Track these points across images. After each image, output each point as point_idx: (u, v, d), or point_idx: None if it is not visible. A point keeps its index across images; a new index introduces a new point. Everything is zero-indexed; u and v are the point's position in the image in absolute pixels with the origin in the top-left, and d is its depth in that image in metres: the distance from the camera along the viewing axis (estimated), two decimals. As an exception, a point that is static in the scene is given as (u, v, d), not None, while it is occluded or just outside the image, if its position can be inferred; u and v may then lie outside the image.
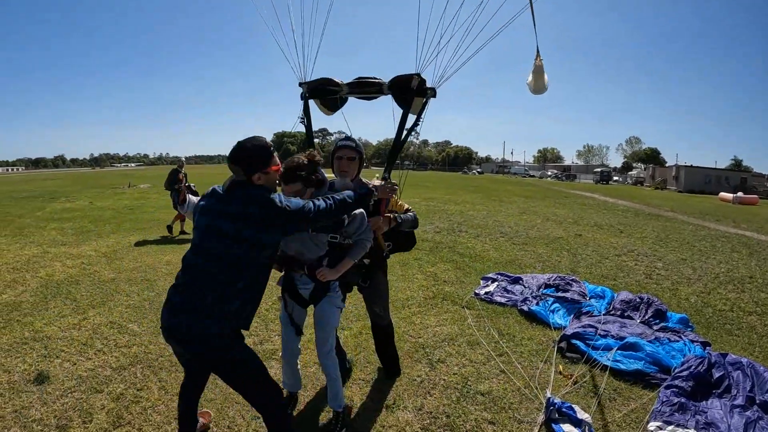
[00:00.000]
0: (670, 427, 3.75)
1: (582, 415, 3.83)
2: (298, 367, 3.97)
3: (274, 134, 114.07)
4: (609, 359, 4.89)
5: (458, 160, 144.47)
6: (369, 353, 4.92)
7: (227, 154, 2.92)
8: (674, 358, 4.85)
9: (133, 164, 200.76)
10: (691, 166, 58.89)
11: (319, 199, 2.99)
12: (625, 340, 5.23)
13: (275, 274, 3.59)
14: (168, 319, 2.77)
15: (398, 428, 3.79)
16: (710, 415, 3.89)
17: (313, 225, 3.05)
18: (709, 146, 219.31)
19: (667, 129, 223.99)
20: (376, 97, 4.17)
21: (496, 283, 7.70)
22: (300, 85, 4.18)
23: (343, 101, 4.30)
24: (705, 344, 5.36)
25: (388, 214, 3.87)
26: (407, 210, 4.13)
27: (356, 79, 4.11)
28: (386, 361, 4.62)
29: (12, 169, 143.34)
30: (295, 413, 3.95)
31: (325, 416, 3.91)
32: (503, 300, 6.88)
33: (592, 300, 6.83)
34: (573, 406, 3.90)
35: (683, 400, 4.05)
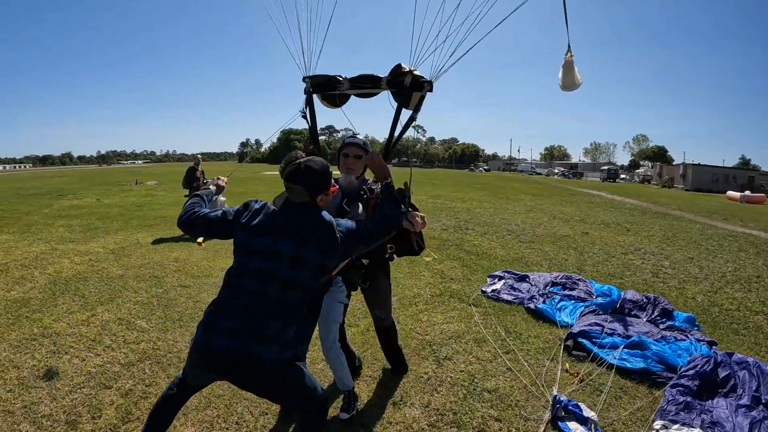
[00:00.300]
0: (676, 426, 3.76)
1: (588, 413, 3.84)
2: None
3: (282, 131, 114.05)
4: (615, 358, 4.89)
5: (465, 157, 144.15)
6: (376, 350, 4.94)
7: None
8: (680, 357, 4.85)
9: (140, 161, 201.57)
10: (699, 164, 58.67)
11: (368, 221, 2.99)
12: (632, 339, 5.23)
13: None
14: (215, 341, 2.59)
15: (405, 425, 3.80)
16: (716, 414, 3.89)
17: (366, 248, 3.01)
18: (716, 145, 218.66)
19: (675, 127, 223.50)
20: (376, 93, 4.13)
21: (503, 280, 7.71)
22: (304, 79, 4.16)
23: (345, 98, 4.29)
24: (711, 343, 5.35)
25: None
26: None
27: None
28: (392, 360, 4.63)
29: (19, 167, 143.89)
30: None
31: (333, 412, 3.93)
32: (510, 298, 6.89)
33: (599, 298, 6.83)
34: (579, 404, 3.92)
35: (689, 399, 4.06)
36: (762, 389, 4.16)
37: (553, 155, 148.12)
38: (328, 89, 4.14)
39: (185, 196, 12.13)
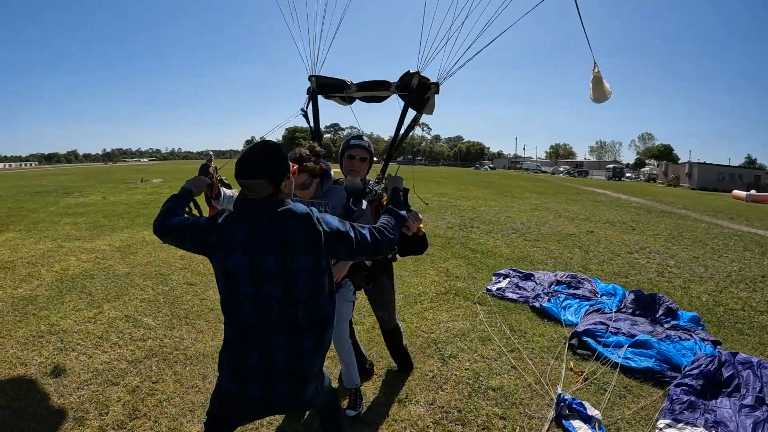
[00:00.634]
0: (680, 425, 3.77)
1: (592, 411, 3.85)
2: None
3: (286, 129, 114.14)
4: (620, 357, 4.90)
5: (470, 155, 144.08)
6: (381, 348, 4.95)
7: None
8: (684, 356, 4.86)
9: (145, 159, 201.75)
10: (705, 163, 58.63)
11: (364, 231, 2.48)
12: (636, 338, 5.24)
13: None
14: (256, 391, 2.34)
15: (410, 422, 3.83)
16: (719, 414, 3.89)
17: (351, 257, 2.74)
18: (722, 143, 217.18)
19: (681, 126, 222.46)
20: (383, 99, 4.13)
21: (508, 279, 7.72)
22: (309, 78, 4.12)
23: (350, 101, 4.28)
24: (716, 343, 5.36)
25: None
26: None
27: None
28: (398, 359, 4.63)
29: (25, 165, 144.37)
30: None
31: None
32: (515, 296, 6.90)
33: (604, 297, 6.84)
34: (583, 402, 3.93)
35: (693, 398, 4.06)
36: (766, 389, 4.16)
37: (559, 153, 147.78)
38: (334, 91, 4.13)
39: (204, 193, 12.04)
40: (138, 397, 4.06)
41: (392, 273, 4.21)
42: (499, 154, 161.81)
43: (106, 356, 4.82)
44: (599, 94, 4.47)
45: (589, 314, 6.07)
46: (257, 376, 2.34)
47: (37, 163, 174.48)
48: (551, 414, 3.90)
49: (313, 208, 2.42)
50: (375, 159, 3.94)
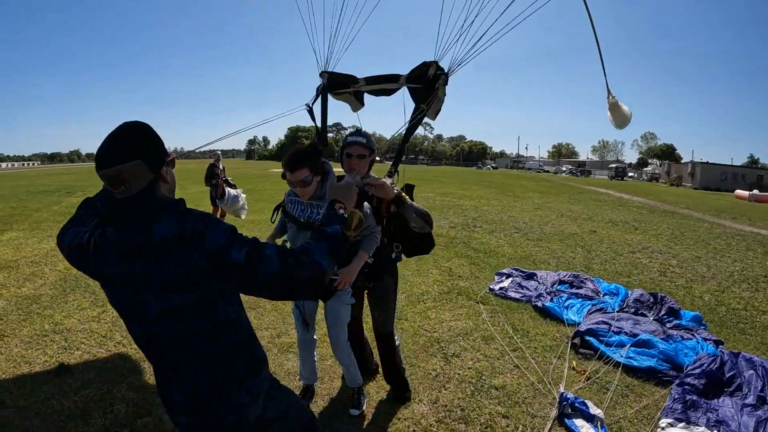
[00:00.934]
0: (682, 424, 3.78)
1: (594, 410, 3.86)
2: (315, 359, 4.02)
3: (288, 128, 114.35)
4: (622, 356, 4.91)
5: (472, 155, 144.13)
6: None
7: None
8: (687, 355, 4.86)
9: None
10: (707, 162, 58.54)
11: (268, 247, 1.77)
12: (638, 338, 5.24)
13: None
14: (180, 418, 1.97)
15: (414, 420, 3.84)
16: (721, 413, 3.90)
17: (257, 292, 1.81)
18: (725, 143, 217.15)
19: (683, 125, 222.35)
20: (393, 91, 3.95)
21: (511, 278, 7.73)
22: (321, 74, 4.00)
23: (361, 101, 4.21)
24: (718, 342, 5.36)
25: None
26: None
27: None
28: (391, 380, 4.19)
29: (28, 164, 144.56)
30: (312, 406, 4.00)
31: (342, 409, 3.97)
32: (517, 295, 6.91)
33: (606, 297, 6.85)
34: (586, 401, 3.94)
35: (695, 397, 4.07)
36: (767, 389, 4.17)
37: (561, 153, 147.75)
38: (343, 87, 4.00)
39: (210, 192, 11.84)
40: (142, 395, 4.08)
41: (397, 274, 4.04)
42: (502, 154, 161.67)
43: (110, 355, 4.84)
44: (620, 119, 4.38)
45: (591, 314, 6.08)
46: (179, 409, 1.95)
47: (39, 162, 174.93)
48: (554, 413, 3.92)
49: (187, 225, 1.72)
50: (378, 159, 3.78)
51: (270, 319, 5.74)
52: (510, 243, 11.35)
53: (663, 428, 3.78)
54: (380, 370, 4.38)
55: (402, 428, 3.76)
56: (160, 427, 3.67)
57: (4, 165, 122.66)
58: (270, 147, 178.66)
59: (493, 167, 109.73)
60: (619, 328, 5.55)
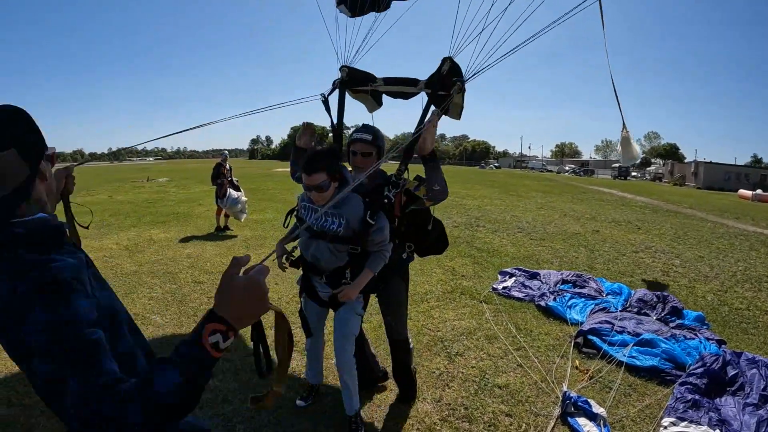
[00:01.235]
0: (684, 423, 3.80)
1: (597, 409, 3.89)
2: (321, 359, 4.04)
3: (291, 128, 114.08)
4: (625, 355, 4.93)
5: (475, 154, 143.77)
6: (388, 346, 4.99)
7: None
8: (689, 355, 4.89)
9: (151, 158, 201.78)
10: (711, 162, 58.37)
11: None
12: (641, 337, 5.27)
13: (291, 272, 3.65)
14: None
15: (418, 419, 3.88)
16: (723, 412, 3.93)
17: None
18: (728, 143, 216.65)
19: (687, 125, 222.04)
20: (411, 96, 3.81)
21: (514, 278, 7.76)
22: (341, 69, 3.88)
23: (378, 101, 4.12)
24: (720, 342, 5.38)
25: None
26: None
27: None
28: (401, 382, 4.18)
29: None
30: (316, 405, 4.04)
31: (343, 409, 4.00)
32: (521, 295, 6.94)
33: (609, 296, 6.88)
34: (588, 400, 3.97)
35: (697, 397, 4.10)
36: (770, 388, 4.19)
37: (564, 152, 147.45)
38: (361, 84, 3.91)
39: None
40: (149, 393, 4.10)
41: (408, 275, 3.97)
42: (505, 153, 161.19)
43: (118, 353, 4.87)
44: (627, 155, 4.72)
45: (594, 313, 6.11)
46: None
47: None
48: (557, 411, 3.95)
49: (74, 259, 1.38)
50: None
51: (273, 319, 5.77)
52: (513, 242, 11.37)
53: (665, 427, 3.81)
54: (387, 376, 4.39)
55: (406, 427, 3.80)
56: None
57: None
58: (273, 146, 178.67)
59: (496, 167, 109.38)
60: (622, 327, 5.57)
